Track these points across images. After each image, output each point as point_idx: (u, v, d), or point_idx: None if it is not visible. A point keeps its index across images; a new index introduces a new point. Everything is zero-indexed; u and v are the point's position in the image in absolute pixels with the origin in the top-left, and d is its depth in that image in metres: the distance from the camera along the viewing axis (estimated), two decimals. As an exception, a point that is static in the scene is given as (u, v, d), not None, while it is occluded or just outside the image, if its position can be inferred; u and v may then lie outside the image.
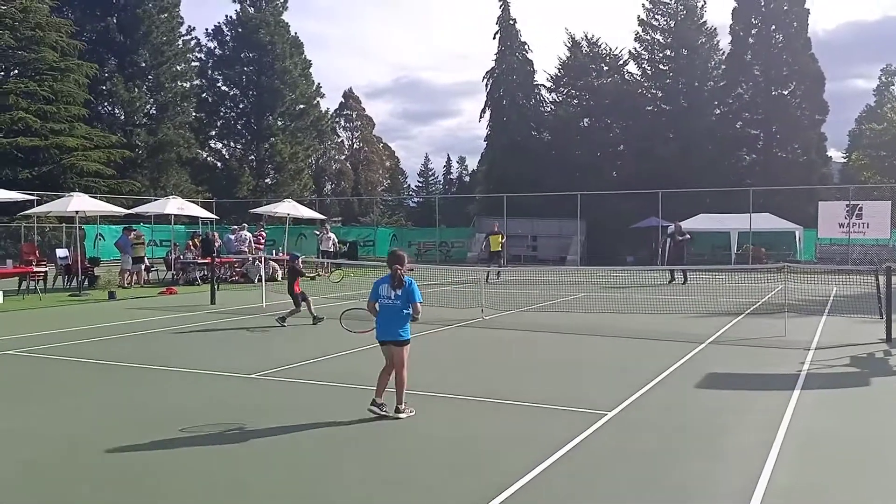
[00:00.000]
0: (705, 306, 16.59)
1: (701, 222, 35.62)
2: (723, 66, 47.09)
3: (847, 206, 32.29)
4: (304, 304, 14.00)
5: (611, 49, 50.39)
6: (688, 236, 21.84)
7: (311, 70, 56.37)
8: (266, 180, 55.10)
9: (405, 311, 7.08)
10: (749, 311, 16.06)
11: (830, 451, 6.12)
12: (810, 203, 35.88)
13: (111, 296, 19.27)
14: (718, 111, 46.87)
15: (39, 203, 26.22)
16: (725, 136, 45.06)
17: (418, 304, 7.14)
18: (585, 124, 50.15)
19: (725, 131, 45.30)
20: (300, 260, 14.87)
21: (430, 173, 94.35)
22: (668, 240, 21.91)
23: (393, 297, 7.08)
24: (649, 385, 8.44)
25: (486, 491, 5.02)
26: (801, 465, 5.75)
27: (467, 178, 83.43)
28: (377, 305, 7.17)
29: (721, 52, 47.84)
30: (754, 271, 24.78)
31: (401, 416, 7.01)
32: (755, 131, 46.15)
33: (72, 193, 24.04)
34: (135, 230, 24.08)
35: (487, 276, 23.38)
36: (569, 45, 50.59)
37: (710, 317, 14.97)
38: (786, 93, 45.21)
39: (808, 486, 5.31)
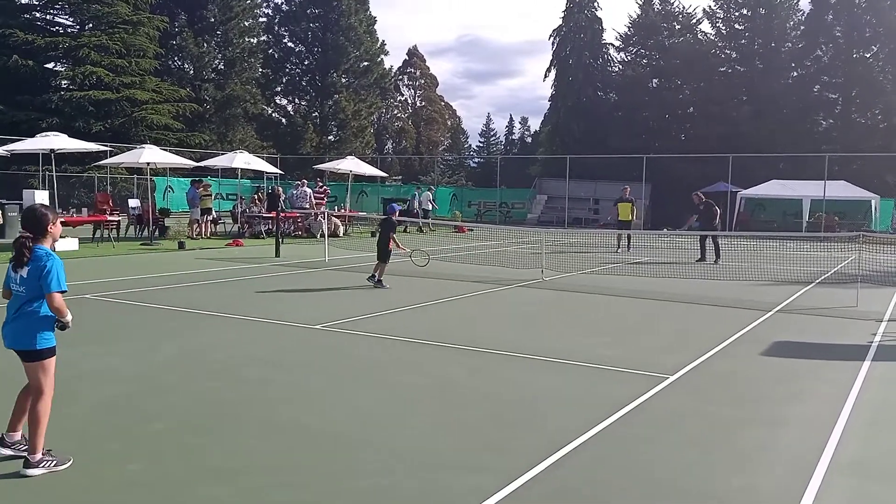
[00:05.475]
0: (774, 274, 16.19)
1: (773, 188, 34.63)
2: (802, 27, 45.10)
3: (929, 175, 30.86)
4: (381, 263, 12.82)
5: (684, 7, 49.21)
6: (707, 203, 19.08)
7: (375, 27, 56.33)
8: (329, 137, 55.61)
9: (37, 304, 4.52)
10: (819, 280, 15.60)
11: (902, 425, 5.93)
12: (889, 171, 34.38)
13: (181, 246, 19.89)
14: (795, 73, 45.06)
15: (112, 154, 27.05)
16: (802, 100, 43.35)
17: (55, 295, 4.46)
18: (654, 85, 48.91)
19: (802, 94, 43.56)
20: (398, 213, 13.64)
21: (492, 133, 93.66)
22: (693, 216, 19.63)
23: (18, 282, 4.55)
24: (713, 351, 8.30)
25: (545, 447, 5.05)
26: (869, 438, 5.58)
27: (529, 139, 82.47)
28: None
29: (801, 11, 45.87)
30: (827, 240, 23.96)
31: (31, 472, 4.36)
32: (833, 95, 44.27)
33: (143, 145, 24.70)
34: (204, 182, 24.67)
35: (618, 246, 21.96)
36: (640, 3, 49.28)
37: (778, 285, 14.59)
38: (868, 55, 43.10)
39: (876, 459, 5.16)
